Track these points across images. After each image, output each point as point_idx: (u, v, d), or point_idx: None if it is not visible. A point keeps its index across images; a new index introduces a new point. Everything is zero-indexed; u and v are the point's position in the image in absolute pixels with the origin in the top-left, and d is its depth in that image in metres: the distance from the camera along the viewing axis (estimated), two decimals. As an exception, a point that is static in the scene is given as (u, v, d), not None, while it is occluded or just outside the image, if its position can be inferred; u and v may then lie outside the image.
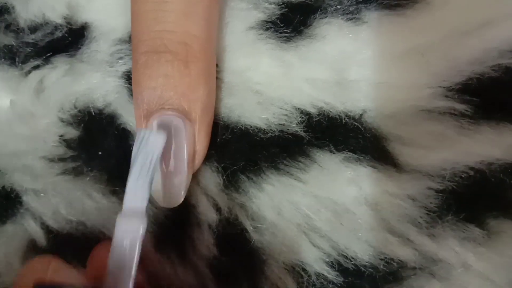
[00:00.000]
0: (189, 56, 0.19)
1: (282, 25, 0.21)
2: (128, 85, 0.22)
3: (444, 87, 0.20)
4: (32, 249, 0.22)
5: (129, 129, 0.22)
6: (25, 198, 0.22)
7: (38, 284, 0.16)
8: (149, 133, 0.19)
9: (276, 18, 0.22)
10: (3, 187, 0.23)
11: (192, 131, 0.20)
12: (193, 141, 0.20)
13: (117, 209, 0.22)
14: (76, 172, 0.22)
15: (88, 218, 0.22)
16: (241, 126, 0.21)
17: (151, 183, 0.18)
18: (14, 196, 0.22)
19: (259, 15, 0.22)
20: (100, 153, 0.22)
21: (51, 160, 0.22)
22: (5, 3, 0.24)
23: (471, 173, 0.19)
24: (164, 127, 0.19)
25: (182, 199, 0.20)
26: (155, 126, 0.19)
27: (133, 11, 0.20)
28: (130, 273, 0.17)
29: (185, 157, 0.20)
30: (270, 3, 0.22)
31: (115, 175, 0.22)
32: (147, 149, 0.18)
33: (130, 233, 0.17)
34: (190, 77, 0.19)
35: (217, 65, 0.22)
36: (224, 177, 0.21)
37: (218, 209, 0.21)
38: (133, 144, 0.19)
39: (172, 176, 0.20)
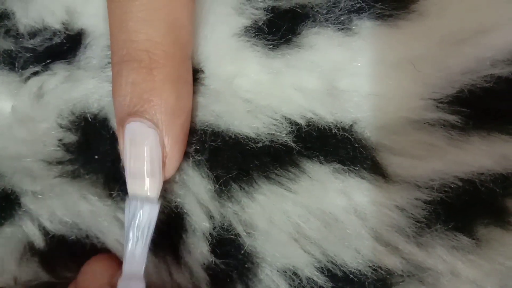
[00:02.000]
0: (153, 62, 0.20)
1: (269, 32, 0.21)
2: None
3: (435, 99, 0.20)
4: (29, 250, 0.23)
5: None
6: (23, 200, 0.23)
7: None
8: (143, 204, 0.20)
9: (262, 23, 0.22)
10: (3, 189, 0.23)
11: (160, 136, 0.20)
12: (162, 148, 0.20)
13: (111, 212, 0.22)
14: (73, 175, 0.23)
15: (83, 221, 0.23)
16: (231, 134, 0.21)
17: (148, 249, 0.20)
18: (14, 198, 0.23)
19: (243, 21, 0.22)
20: (96, 157, 0.23)
21: (50, 162, 0.23)
22: (5, 9, 0.24)
23: (460, 184, 0.19)
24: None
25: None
26: (126, 135, 0.20)
27: (108, 23, 0.21)
28: None
29: (156, 163, 0.20)
30: (257, 9, 0.22)
31: (110, 179, 0.23)
32: (143, 219, 0.20)
33: None
34: (154, 83, 0.20)
35: (203, 71, 0.22)
36: (217, 186, 0.21)
37: (211, 217, 0.21)
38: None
39: (146, 181, 0.20)
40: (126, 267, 0.19)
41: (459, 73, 0.20)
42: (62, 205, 0.23)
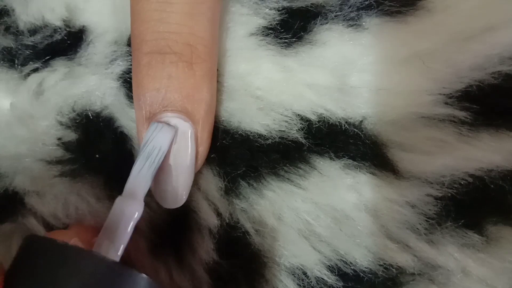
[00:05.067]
0: (194, 57, 0.19)
1: (282, 30, 0.21)
2: (124, 87, 0.22)
3: (444, 94, 0.20)
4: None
5: (126, 132, 0.22)
6: (27, 199, 0.22)
7: (29, 236, 0.17)
8: (161, 126, 0.19)
9: (276, 23, 0.21)
10: (5, 189, 0.23)
11: (196, 132, 0.20)
12: (196, 143, 0.20)
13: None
14: (74, 175, 0.22)
15: (84, 220, 0.22)
16: (241, 132, 0.21)
17: (154, 173, 0.19)
18: (18, 198, 0.22)
19: (259, 21, 0.22)
20: (97, 156, 0.22)
21: (49, 162, 0.22)
22: (5, 6, 0.24)
23: (470, 180, 0.19)
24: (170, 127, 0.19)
25: (184, 200, 0.20)
26: (160, 125, 0.19)
27: (135, 11, 0.20)
28: (119, 247, 0.17)
29: (188, 158, 0.20)
30: (271, 9, 0.22)
31: (111, 179, 0.22)
32: (156, 141, 0.19)
33: (125, 214, 0.18)
34: (194, 78, 0.19)
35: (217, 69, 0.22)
36: (225, 183, 0.21)
37: (219, 214, 0.21)
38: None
39: (176, 177, 0.20)
40: (127, 185, 0.19)
41: (467, 69, 0.20)
42: (63, 205, 0.22)
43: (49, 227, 0.22)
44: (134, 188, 0.18)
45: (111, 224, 0.18)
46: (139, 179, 0.19)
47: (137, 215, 0.18)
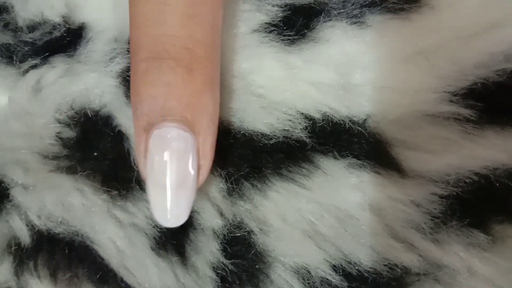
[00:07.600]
0: (193, 62, 0.18)
1: (285, 27, 0.21)
2: (123, 86, 0.22)
3: (449, 92, 0.20)
4: (14, 246, 0.22)
5: (124, 131, 0.22)
6: (12, 192, 0.22)
7: None
8: None
9: (279, 20, 0.21)
10: None
11: (197, 144, 0.18)
12: (198, 155, 0.19)
13: (105, 208, 0.21)
14: (69, 171, 0.22)
15: (74, 217, 0.21)
16: (244, 132, 0.21)
17: None
18: (3, 189, 0.22)
19: (262, 18, 0.21)
20: (95, 154, 0.22)
21: (45, 156, 0.22)
22: (4, 2, 0.24)
23: (476, 178, 0.19)
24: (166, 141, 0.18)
25: (187, 218, 0.19)
26: (155, 140, 0.18)
27: (132, 14, 0.19)
28: None
29: (190, 172, 0.18)
30: (273, 6, 0.21)
31: (109, 176, 0.22)
32: None
33: None
34: (194, 85, 0.18)
35: None
36: (228, 184, 0.21)
37: (222, 215, 0.21)
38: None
39: (177, 193, 0.18)
40: None
41: (472, 67, 0.20)
42: (54, 198, 0.21)
43: (31, 227, 0.21)
44: None
45: None
46: None
47: None
